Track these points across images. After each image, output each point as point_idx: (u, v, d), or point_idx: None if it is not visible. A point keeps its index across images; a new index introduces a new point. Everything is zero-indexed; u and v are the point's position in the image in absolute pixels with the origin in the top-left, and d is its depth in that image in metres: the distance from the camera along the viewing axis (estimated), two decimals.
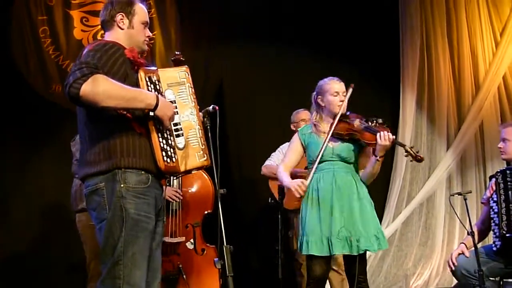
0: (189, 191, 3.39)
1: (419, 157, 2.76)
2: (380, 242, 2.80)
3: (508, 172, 2.96)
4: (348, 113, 2.92)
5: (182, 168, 2.10)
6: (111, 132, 2.04)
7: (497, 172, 3.03)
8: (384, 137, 2.74)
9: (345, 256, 2.85)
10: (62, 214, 4.10)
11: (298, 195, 2.77)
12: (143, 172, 2.05)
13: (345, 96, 2.89)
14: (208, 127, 2.92)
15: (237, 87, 4.60)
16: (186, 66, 2.22)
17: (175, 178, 3.31)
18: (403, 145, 2.83)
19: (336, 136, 2.85)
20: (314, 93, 2.98)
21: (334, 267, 3.48)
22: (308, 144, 2.92)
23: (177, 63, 3.34)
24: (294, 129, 3.61)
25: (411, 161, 2.83)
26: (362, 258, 2.80)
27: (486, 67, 4.94)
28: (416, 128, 4.92)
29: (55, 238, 4.13)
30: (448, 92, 4.94)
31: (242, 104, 4.60)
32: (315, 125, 2.92)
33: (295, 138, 2.99)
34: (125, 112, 2.02)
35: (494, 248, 2.96)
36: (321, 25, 4.73)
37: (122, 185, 2.01)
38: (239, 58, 4.61)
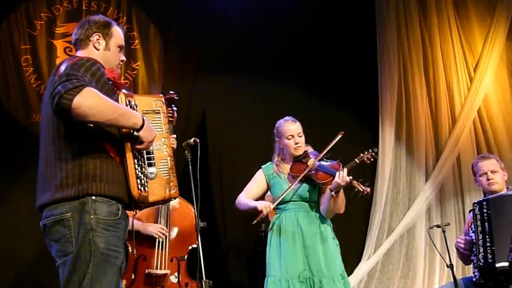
0: (177, 225, 3.37)
1: (365, 192, 2.80)
2: (345, 281, 2.83)
3: (484, 203, 3.01)
4: (308, 151, 3.01)
5: (151, 199, 2.00)
6: (84, 153, 1.90)
7: (474, 203, 3.08)
8: (342, 177, 2.76)
9: None
10: (39, 245, 3.98)
11: (265, 212, 2.81)
12: (114, 202, 1.93)
13: (300, 136, 2.96)
14: (189, 160, 2.93)
15: (220, 119, 4.62)
16: (162, 95, 2.20)
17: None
18: (353, 185, 2.84)
19: (295, 178, 2.94)
20: (274, 134, 3.08)
21: None
22: (272, 185, 3.00)
23: (170, 102, 3.40)
24: None
25: (359, 196, 2.84)
26: None
27: (461, 101, 5.09)
28: (395, 160, 5.00)
29: (31, 270, 3.99)
30: (426, 125, 5.06)
31: (225, 136, 4.61)
32: (277, 165, 3.01)
33: (260, 174, 3.06)
34: (100, 133, 1.91)
35: (474, 279, 2.98)
36: (301, 59, 4.82)
37: (92, 216, 1.87)
38: (222, 90, 4.65)
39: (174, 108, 3.45)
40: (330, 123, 4.67)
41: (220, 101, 4.62)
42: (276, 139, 3.03)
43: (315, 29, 4.88)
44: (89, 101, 1.79)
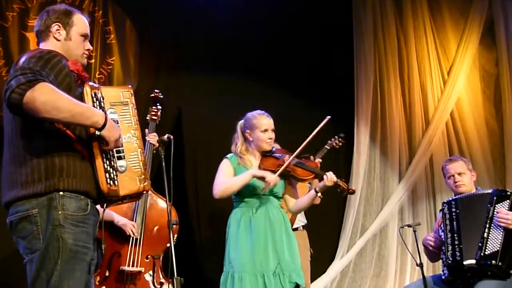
0: (154, 222, 3.29)
1: (351, 190, 2.91)
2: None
3: (453, 203, 3.07)
4: (274, 148, 3.00)
5: (121, 193, 1.93)
6: (49, 149, 1.84)
7: (443, 202, 3.14)
8: (330, 179, 2.82)
9: None
10: (7, 241, 3.89)
11: (272, 184, 2.76)
12: (82, 197, 1.88)
13: (273, 132, 2.96)
14: (163, 156, 2.89)
15: (196, 116, 4.59)
16: (129, 86, 2.14)
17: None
18: (339, 184, 2.91)
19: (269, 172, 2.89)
20: (242, 124, 3.02)
21: None
22: None
23: (155, 101, 3.33)
24: None
25: (344, 194, 2.96)
26: None
27: (435, 104, 5.19)
28: (369, 160, 5.06)
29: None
30: (400, 126, 5.14)
31: (200, 133, 4.59)
32: (240, 157, 2.95)
33: (227, 164, 2.97)
34: (65, 129, 1.85)
35: (443, 277, 3.04)
36: (279, 58, 4.83)
37: (59, 212, 1.82)
38: (198, 86, 4.62)
39: (159, 107, 3.41)
40: (306, 122, 4.67)
41: (197, 98, 4.59)
42: (247, 130, 2.97)
43: (291, 28, 4.91)
44: (43, 97, 1.71)
